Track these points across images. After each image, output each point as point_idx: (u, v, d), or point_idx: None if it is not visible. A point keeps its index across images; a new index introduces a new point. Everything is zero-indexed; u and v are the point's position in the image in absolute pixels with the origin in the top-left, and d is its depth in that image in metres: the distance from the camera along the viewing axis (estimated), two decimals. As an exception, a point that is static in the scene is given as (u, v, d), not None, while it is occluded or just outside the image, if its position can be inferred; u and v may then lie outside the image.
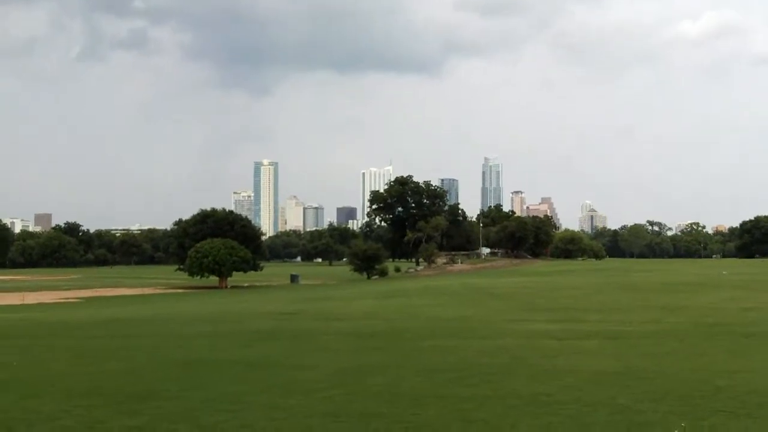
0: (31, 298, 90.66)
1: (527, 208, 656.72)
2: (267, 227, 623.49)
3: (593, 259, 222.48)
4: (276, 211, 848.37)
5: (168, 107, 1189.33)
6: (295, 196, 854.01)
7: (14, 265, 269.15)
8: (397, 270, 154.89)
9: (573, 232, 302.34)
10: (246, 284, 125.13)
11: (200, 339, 32.51)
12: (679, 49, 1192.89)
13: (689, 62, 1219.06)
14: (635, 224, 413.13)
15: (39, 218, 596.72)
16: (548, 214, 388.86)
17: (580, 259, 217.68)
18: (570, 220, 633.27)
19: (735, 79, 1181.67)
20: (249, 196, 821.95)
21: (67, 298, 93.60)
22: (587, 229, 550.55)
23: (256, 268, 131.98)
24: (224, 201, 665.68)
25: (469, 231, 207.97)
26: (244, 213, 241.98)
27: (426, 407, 15.87)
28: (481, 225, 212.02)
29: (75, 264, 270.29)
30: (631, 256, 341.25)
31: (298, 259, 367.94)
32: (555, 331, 32.49)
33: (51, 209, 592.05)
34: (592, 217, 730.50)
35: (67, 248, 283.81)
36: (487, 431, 13.91)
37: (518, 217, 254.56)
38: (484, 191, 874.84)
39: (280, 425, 14.41)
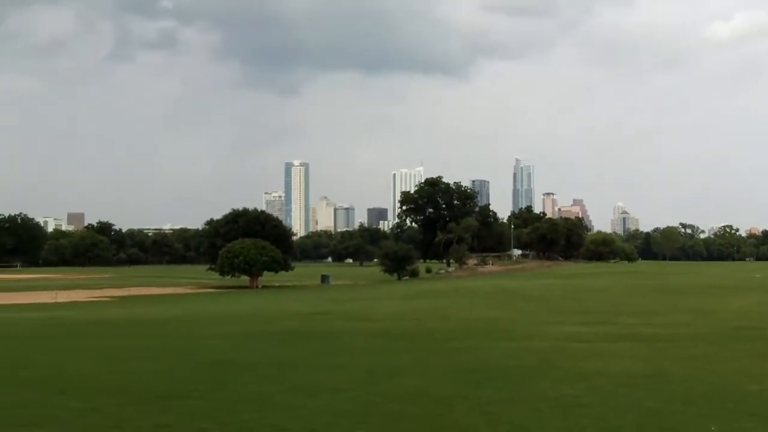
0: (64, 296, 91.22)
1: (559, 209, 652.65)
2: (298, 227, 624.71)
3: (625, 262, 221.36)
4: (307, 211, 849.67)
5: (197, 107, 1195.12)
6: (325, 197, 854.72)
7: (47, 263, 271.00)
8: (428, 271, 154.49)
9: (605, 234, 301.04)
10: (277, 284, 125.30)
11: (229, 339, 32.58)
12: (710, 49, 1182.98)
13: (720, 63, 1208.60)
14: (668, 227, 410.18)
15: (72, 217, 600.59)
16: (580, 215, 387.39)
17: (611, 261, 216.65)
18: (602, 222, 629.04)
19: (767, 80, 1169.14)
20: (280, 197, 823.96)
21: (99, 297, 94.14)
22: (619, 231, 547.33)
23: (287, 268, 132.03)
24: (255, 201, 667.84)
25: (500, 232, 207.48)
26: (275, 213, 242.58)
27: (453, 408, 15.81)
28: (512, 226, 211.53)
29: (107, 263, 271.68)
30: (664, 258, 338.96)
31: (329, 259, 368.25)
32: (585, 334, 32.31)
33: (84, 208, 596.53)
34: (624, 219, 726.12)
35: (99, 247, 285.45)
36: (514, 433, 13.84)
37: (550, 218, 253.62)
38: (515, 193, 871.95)
39: (307, 425, 14.38)
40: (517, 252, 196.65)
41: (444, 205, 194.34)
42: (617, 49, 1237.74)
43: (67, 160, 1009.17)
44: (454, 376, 20.31)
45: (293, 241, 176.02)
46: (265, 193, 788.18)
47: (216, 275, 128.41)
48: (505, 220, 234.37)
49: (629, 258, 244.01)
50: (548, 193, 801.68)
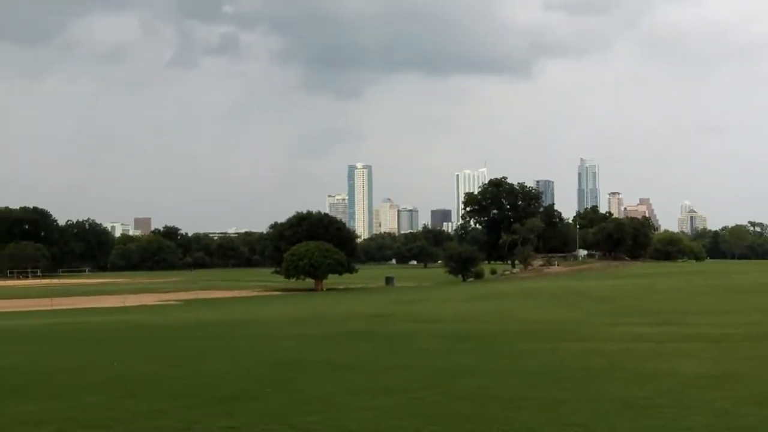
0: (132, 300, 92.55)
1: (625, 209, 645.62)
2: (361, 230, 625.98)
3: (693, 261, 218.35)
4: (370, 213, 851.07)
5: (260, 111, 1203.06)
6: (389, 199, 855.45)
7: (115, 268, 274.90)
8: (493, 272, 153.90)
9: (672, 233, 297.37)
10: (341, 286, 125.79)
11: (294, 340, 32.73)
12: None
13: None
14: (736, 225, 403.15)
15: (139, 222, 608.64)
16: (646, 215, 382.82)
17: (679, 260, 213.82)
18: (669, 221, 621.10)
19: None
20: (343, 199, 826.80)
21: (167, 301, 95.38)
22: (687, 230, 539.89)
23: (351, 270, 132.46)
24: (319, 204, 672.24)
25: (565, 233, 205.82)
26: (338, 216, 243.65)
27: (520, 410, 15.68)
28: (578, 227, 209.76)
29: (173, 267, 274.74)
30: (733, 257, 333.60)
31: (393, 261, 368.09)
32: (653, 335, 31.88)
33: (150, 213, 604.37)
34: (691, 217, 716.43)
35: (166, 251, 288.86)
36: (582, 435, 13.67)
37: (616, 218, 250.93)
38: (581, 192, 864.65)
39: (371, 426, 14.36)
40: (582, 252, 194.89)
41: (508, 206, 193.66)
42: (680, 45, 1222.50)
43: (133, 166, 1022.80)
44: (520, 378, 20.15)
45: (357, 243, 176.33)
46: (329, 196, 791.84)
47: (281, 278, 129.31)
48: (570, 221, 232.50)
49: (697, 257, 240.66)
50: (614, 193, 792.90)
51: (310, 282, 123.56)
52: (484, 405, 16.26)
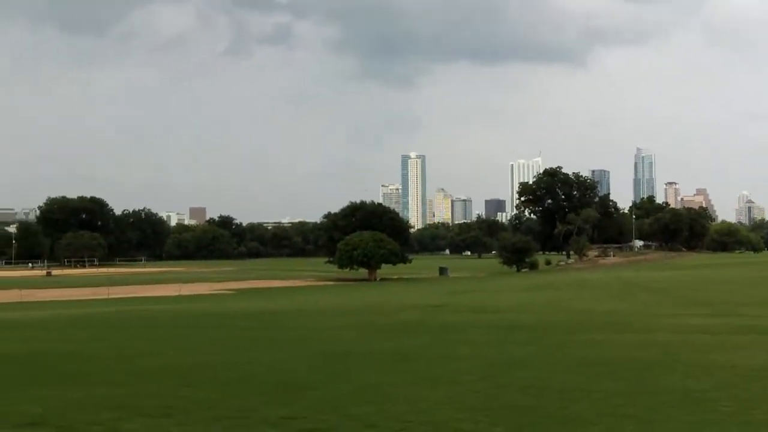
0: (187, 289, 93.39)
1: (681, 199, 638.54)
2: (415, 220, 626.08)
3: (751, 252, 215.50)
4: (424, 203, 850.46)
5: (314, 100, 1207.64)
6: (442, 189, 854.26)
7: (170, 257, 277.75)
8: (548, 263, 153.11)
9: (729, 224, 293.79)
10: (395, 276, 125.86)
11: (348, 330, 32.86)
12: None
13: None
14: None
15: (194, 212, 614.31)
16: (703, 205, 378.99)
17: (737, 251, 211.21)
18: (726, 211, 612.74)
19: None
20: (397, 189, 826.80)
21: (221, 290, 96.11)
22: (745, 221, 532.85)
23: (404, 260, 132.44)
24: (372, 194, 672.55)
25: (620, 223, 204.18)
26: (392, 206, 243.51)
27: (575, 401, 15.60)
28: (634, 217, 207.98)
29: (228, 256, 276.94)
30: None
31: (447, 251, 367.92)
32: (710, 326, 31.56)
33: (205, 203, 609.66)
34: (749, 208, 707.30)
35: (220, 241, 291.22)
36: (638, 427, 13.56)
37: (672, 208, 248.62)
38: (636, 182, 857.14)
39: (426, 418, 14.36)
40: (638, 243, 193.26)
41: (563, 196, 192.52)
42: (740, 33, 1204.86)
43: (187, 155, 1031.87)
44: (576, 369, 20.05)
45: (410, 233, 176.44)
46: (382, 185, 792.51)
47: (334, 268, 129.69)
48: (626, 211, 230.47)
49: (755, 248, 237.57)
50: (670, 183, 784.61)
51: (363, 272, 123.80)
52: (538, 397, 16.21)
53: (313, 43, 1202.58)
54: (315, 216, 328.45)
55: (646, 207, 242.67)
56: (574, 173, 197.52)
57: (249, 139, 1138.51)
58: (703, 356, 22.30)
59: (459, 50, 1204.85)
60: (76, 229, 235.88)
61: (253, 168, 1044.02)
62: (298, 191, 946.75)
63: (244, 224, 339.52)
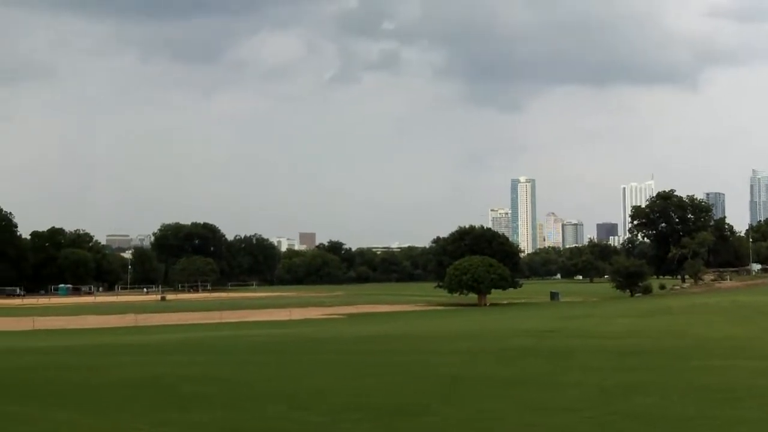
0: (298, 314, 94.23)
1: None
2: (525, 244, 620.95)
3: None
4: (534, 227, 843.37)
5: (421, 125, 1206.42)
6: (553, 213, 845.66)
7: (281, 282, 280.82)
8: (662, 287, 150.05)
9: None
10: (505, 301, 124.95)
11: (459, 355, 32.63)
12: None
13: None
14: None
15: (304, 237, 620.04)
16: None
17: None
18: None
19: None
20: (506, 213, 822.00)
21: (331, 314, 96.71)
22: None
23: (514, 285, 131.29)
24: (481, 218, 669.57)
25: (737, 246, 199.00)
26: (501, 230, 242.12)
27: (694, 429, 15.15)
28: (751, 240, 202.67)
29: (337, 281, 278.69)
30: None
31: (558, 276, 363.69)
32: (835, 352, 30.44)
33: (315, 228, 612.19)
34: None
35: (330, 266, 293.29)
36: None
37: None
38: (753, 205, 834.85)
39: (541, 444, 14.14)
40: (756, 267, 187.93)
41: (677, 219, 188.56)
42: None
43: (296, 181, 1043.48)
44: (695, 396, 19.51)
45: (520, 257, 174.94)
46: (491, 210, 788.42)
47: (444, 293, 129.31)
48: (742, 234, 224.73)
49: None
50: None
51: (473, 297, 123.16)
52: (656, 425, 15.82)
53: (421, 69, 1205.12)
54: (424, 241, 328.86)
55: (763, 230, 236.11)
56: (688, 196, 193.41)
57: (357, 163, 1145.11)
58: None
59: (568, 73, 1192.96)
60: (189, 255, 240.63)
61: (362, 192, 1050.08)
62: (408, 216, 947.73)
63: (353, 249, 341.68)
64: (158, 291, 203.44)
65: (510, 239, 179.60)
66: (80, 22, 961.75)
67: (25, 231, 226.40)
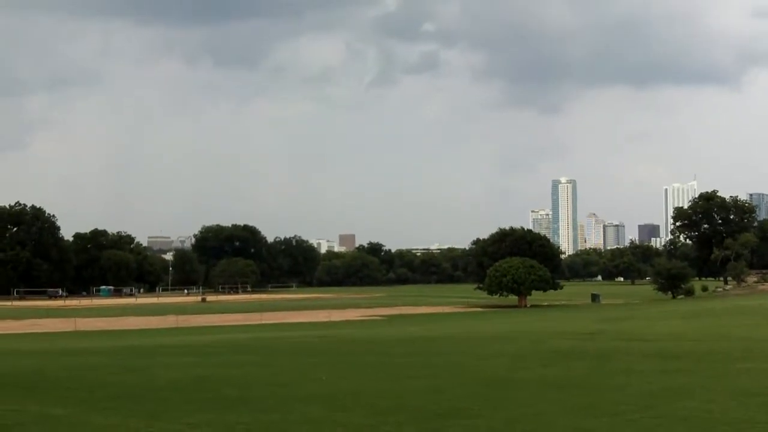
0: (337, 315, 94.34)
1: None
2: (566, 246, 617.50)
3: None
4: (575, 229, 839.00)
5: (462, 127, 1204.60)
6: (594, 214, 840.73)
7: (320, 283, 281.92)
8: (704, 289, 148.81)
9: None
10: (545, 303, 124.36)
11: (501, 358, 32.47)
12: None
13: None
14: None
15: (343, 239, 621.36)
16: None
17: None
18: None
19: None
20: (547, 215, 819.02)
21: (371, 316, 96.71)
22: None
23: (555, 287, 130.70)
24: (521, 219, 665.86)
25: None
26: (542, 231, 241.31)
27: (743, 434, 14.95)
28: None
29: (377, 283, 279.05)
30: None
31: (599, 277, 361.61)
32: None
33: (354, 230, 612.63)
34: None
35: (369, 268, 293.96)
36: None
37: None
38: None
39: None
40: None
41: (720, 221, 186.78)
42: None
43: (337, 183, 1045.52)
44: (742, 399, 19.26)
45: (561, 259, 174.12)
46: (532, 211, 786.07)
47: (484, 294, 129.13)
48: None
49: None
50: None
51: (513, 299, 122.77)
52: (701, 429, 15.62)
53: (461, 71, 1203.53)
54: (463, 242, 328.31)
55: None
56: (731, 197, 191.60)
57: (397, 166, 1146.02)
58: None
59: (608, 74, 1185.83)
60: (229, 257, 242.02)
61: (402, 194, 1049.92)
62: (448, 217, 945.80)
63: (392, 251, 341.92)
64: (199, 292, 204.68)
65: (551, 241, 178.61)
66: (127, 29, 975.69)
67: (68, 233, 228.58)
